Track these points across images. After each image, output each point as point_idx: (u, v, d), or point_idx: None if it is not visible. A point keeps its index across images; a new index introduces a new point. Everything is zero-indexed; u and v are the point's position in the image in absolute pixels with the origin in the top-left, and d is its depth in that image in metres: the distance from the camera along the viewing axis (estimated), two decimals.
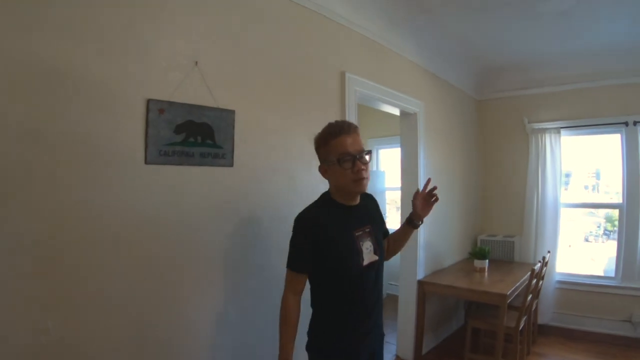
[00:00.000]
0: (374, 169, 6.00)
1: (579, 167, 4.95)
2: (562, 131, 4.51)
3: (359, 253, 1.66)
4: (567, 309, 4.43)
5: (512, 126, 4.87)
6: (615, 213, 4.56)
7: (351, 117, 2.80)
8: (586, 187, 5.01)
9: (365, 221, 1.75)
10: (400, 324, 3.85)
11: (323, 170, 1.72)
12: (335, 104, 2.78)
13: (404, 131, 3.84)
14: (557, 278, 4.51)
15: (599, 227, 4.96)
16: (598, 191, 4.94)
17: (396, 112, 3.71)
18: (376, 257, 1.72)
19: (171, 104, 1.83)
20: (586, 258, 4.89)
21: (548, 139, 4.54)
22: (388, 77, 3.33)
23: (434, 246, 4.00)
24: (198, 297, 1.95)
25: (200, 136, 1.96)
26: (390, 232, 2.00)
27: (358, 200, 1.76)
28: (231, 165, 2.08)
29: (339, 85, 2.82)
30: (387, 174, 5.66)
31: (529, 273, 3.35)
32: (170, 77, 1.82)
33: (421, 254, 3.77)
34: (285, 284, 1.70)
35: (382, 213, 1.96)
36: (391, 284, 5.42)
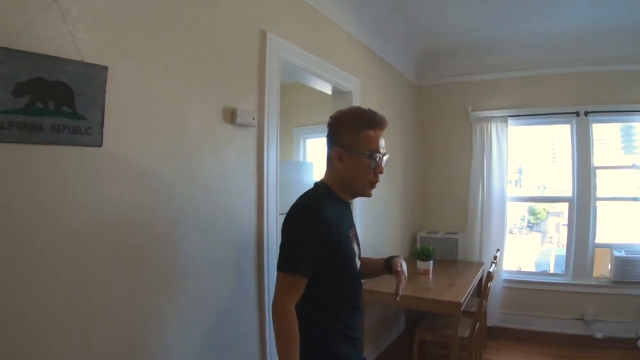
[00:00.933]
0: (301, 159, 5.62)
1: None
2: (510, 120, 4.43)
3: (354, 256, 1.58)
4: (514, 309, 4.44)
5: (454, 114, 4.72)
6: (537, 206, 4.82)
7: (272, 92, 2.36)
8: (509, 182, 4.94)
9: (353, 223, 1.68)
10: None
11: (338, 156, 1.53)
12: (251, 73, 2.27)
13: None
14: (504, 277, 4.49)
15: (522, 219, 5.18)
16: (520, 186, 5.08)
17: (327, 89, 3.32)
18: (359, 262, 1.64)
19: (11, 52, 1.27)
20: (513, 251, 5.01)
21: (494, 128, 4.45)
22: (321, 46, 2.92)
23: (371, 246, 3.66)
24: None
25: (52, 101, 1.39)
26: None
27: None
28: (99, 144, 1.50)
29: (257, 47, 2.31)
30: (315, 166, 5.17)
31: (479, 275, 3.25)
32: (14, 13, 1.26)
33: None
34: (280, 290, 1.44)
35: None
36: None
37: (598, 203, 4.33)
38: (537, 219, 5.02)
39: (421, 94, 4.92)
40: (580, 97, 4.28)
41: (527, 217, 5.19)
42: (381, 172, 1.54)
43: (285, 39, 2.49)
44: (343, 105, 3.26)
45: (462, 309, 2.96)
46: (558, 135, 4.73)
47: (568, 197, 4.40)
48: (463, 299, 3.00)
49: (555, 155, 4.80)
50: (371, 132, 1.51)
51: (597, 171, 4.34)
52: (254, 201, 2.25)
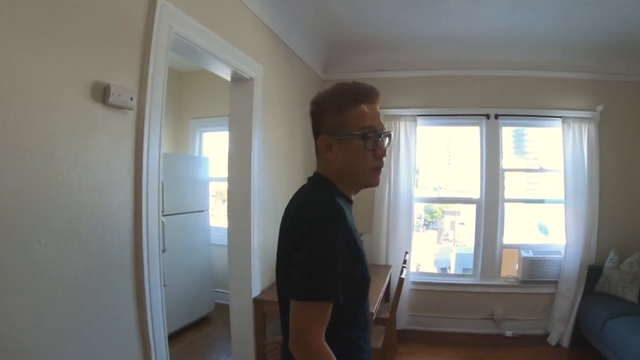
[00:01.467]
0: (196, 154, 5.33)
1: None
2: (419, 120, 4.48)
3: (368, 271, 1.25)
4: (423, 311, 4.51)
5: None
6: (433, 206, 5.02)
7: (158, 69, 2.00)
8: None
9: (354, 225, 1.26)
10: (236, 351, 3.23)
11: (327, 145, 1.25)
12: (133, 43, 1.89)
13: (235, 103, 3.15)
14: (412, 279, 4.54)
15: (419, 218, 5.30)
16: (418, 186, 5.10)
17: (227, 75, 3.00)
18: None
19: None
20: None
21: (403, 127, 4.45)
22: (220, 23, 2.60)
23: (271, 251, 3.31)
24: None
25: None
26: None
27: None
28: None
29: (144, 12, 1.93)
30: (212, 162, 4.83)
31: (387, 279, 3.23)
32: None
33: (256, 264, 3.20)
34: (308, 322, 1.08)
35: None
36: (218, 292, 4.89)
37: (506, 204, 4.59)
38: (433, 217, 5.24)
39: None
40: (491, 100, 4.45)
41: (424, 215, 5.36)
42: (383, 154, 1.25)
43: (179, 8, 2.14)
44: (242, 94, 3.00)
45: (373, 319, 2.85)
46: (455, 137, 4.95)
47: (476, 198, 4.59)
48: (375, 309, 2.92)
49: (451, 156, 4.97)
50: (360, 108, 1.23)
51: (506, 174, 4.60)
52: (130, 201, 1.87)
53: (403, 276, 3.24)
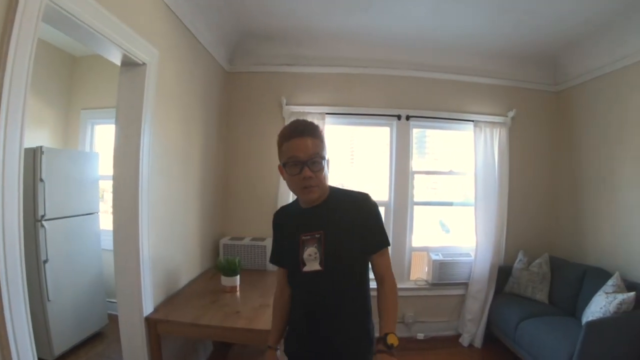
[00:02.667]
0: (87, 149, 5.02)
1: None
2: (328, 118, 4.45)
3: (298, 258, 1.79)
4: None
5: (267, 107, 4.60)
6: None
7: (23, 41, 1.76)
8: None
9: (319, 226, 1.78)
10: None
11: (280, 171, 1.81)
12: None
13: (124, 92, 2.85)
14: None
15: None
16: None
17: (116, 58, 2.73)
18: (318, 267, 1.76)
19: None
20: None
21: None
22: None
23: (165, 261, 3.25)
24: None
25: None
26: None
27: (319, 202, 1.82)
28: None
29: None
30: (104, 158, 4.48)
31: None
32: None
33: (147, 279, 2.91)
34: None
35: (375, 217, 1.87)
36: (112, 302, 4.48)
37: (415, 207, 4.74)
38: None
39: (232, 82, 4.65)
40: (403, 101, 4.58)
41: None
42: (307, 176, 1.69)
43: None
44: (132, 82, 2.83)
45: None
46: (359, 137, 4.99)
47: (385, 201, 4.69)
48: None
49: (354, 157, 5.02)
50: (287, 144, 1.70)
51: (415, 176, 4.77)
52: None
53: None
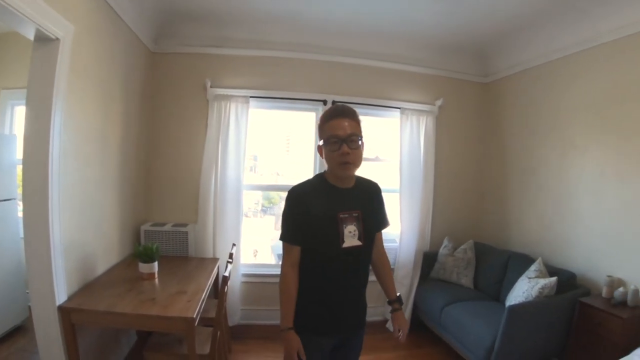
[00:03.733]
0: (6, 132, 4.91)
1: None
2: (253, 102, 4.54)
3: (338, 234, 2.02)
4: (257, 304, 4.62)
5: (192, 89, 4.61)
6: (271, 193, 5.30)
7: None
8: (251, 169, 5.33)
9: (355, 206, 2.08)
10: None
11: (320, 151, 2.07)
12: None
13: (35, 69, 2.76)
14: (242, 271, 4.61)
15: (256, 203, 5.59)
16: (256, 172, 5.40)
17: (30, 33, 2.65)
18: (359, 243, 2.07)
19: None
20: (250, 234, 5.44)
21: (234, 108, 4.46)
22: None
23: (79, 248, 3.19)
24: None
25: None
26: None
27: (352, 184, 2.12)
28: None
29: None
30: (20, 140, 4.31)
31: (214, 274, 3.27)
32: None
33: (59, 267, 2.83)
34: (283, 255, 2.08)
35: (382, 202, 2.28)
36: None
37: None
38: (271, 203, 5.49)
39: (156, 63, 4.59)
40: (329, 86, 4.72)
41: (261, 201, 5.61)
42: (345, 152, 1.93)
43: None
44: (44, 58, 2.88)
45: (196, 323, 2.80)
46: (294, 123, 5.19)
47: None
48: (196, 312, 2.79)
49: (290, 143, 5.20)
50: (329, 123, 1.98)
51: None
52: None
53: (227, 273, 3.17)
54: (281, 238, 2.07)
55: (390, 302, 2.40)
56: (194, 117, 4.54)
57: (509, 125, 5.13)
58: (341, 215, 2.02)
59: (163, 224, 4.34)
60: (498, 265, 4.58)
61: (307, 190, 2.05)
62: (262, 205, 5.61)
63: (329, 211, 2.01)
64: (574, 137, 4.18)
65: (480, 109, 5.48)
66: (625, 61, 3.58)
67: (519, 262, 4.33)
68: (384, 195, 2.27)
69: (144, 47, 4.32)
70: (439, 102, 5.10)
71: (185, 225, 4.33)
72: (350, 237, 2.03)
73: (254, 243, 5.39)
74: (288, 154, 5.13)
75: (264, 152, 5.28)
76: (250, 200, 5.53)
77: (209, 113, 4.46)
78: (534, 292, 3.65)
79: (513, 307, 3.42)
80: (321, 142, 2.02)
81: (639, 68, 3.48)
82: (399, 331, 2.32)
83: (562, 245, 4.30)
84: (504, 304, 3.85)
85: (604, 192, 3.85)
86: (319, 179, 2.12)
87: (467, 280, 4.75)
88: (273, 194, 5.37)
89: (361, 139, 1.99)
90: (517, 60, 4.84)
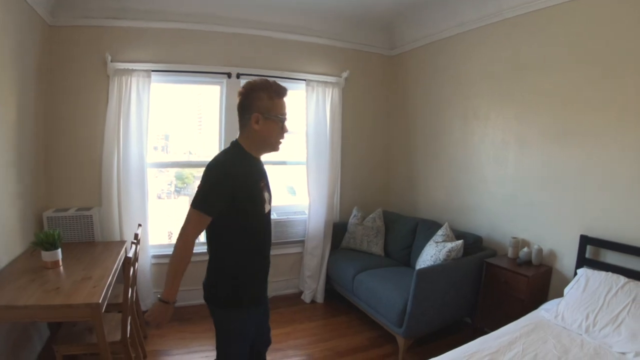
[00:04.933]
0: None
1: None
2: (154, 76, 4.49)
3: (262, 201, 2.24)
4: None
5: (92, 64, 4.45)
6: (184, 171, 5.35)
7: None
8: (155, 148, 5.28)
9: (263, 175, 2.33)
10: None
11: (256, 120, 2.14)
12: None
13: None
14: (152, 252, 4.66)
15: (170, 184, 5.58)
16: (168, 152, 5.39)
17: None
18: (269, 207, 2.34)
19: None
20: (163, 217, 5.51)
21: (135, 83, 4.39)
22: None
23: None
24: None
25: None
26: None
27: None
28: None
29: None
30: None
31: (121, 257, 3.22)
32: None
33: None
34: (188, 223, 2.10)
35: None
36: None
37: None
38: (185, 183, 5.52)
39: (54, 37, 4.38)
40: (234, 59, 4.82)
41: (174, 182, 5.63)
42: (286, 132, 2.24)
43: None
44: None
45: (104, 309, 2.80)
46: (204, 99, 5.22)
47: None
48: (101, 297, 2.77)
49: (202, 120, 5.25)
50: (281, 100, 2.18)
51: None
52: None
53: (131, 255, 3.18)
54: (196, 206, 2.05)
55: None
56: (94, 94, 4.43)
57: (414, 97, 5.46)
58: (261, 184, 2.24)
59: (67, 209, 4.23)
60: (406, 231, 4.91)
61: (236, 162, 2.13)
62: (176, 186, 5.64)
63: (255, 180, 2.20)
64: (476, 106, 4.53)
65: (387, 81, 5.82)
66: (525, 35, 3.94)
67: (427, 228, 4.66)
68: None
69: (41, 20, 4.08)
70: (345, 74, 5.31)
71: (89, 209, 4.28)
72: (266, 203, 2.27)
73: (168, 225, 5.42)
74: (200, 133, 5.16)
75: (176, 131, 5.30)
76: (163, 181, 5.57)
77: (110, 89, 4.37)
78: (441, 256, 3.92)
79: (422, 271, 3.63)
80: (267, 115, 2.11)
81: (537, 42, 3.83)
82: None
83: (468, 211, 4.69)
84: (414, 269, 3.95)
85: (506, 159, 4.23)
86: (238, 149, 2.20)
87: (377, 248, 5.06)
88: (187, 173, 5.38)
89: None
90: (423, 34, 5.15)
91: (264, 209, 2.25)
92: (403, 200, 5.69)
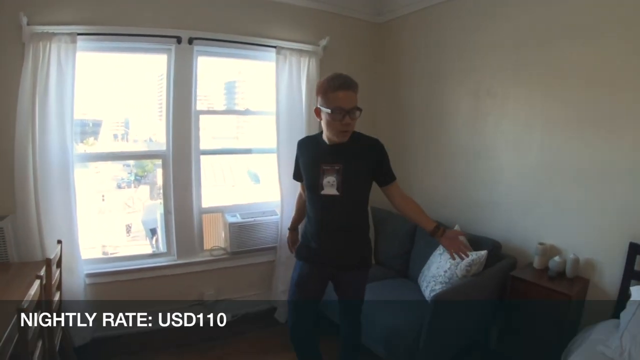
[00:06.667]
0: None
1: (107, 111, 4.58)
2: (80, 42, 3.65)
3: (319, 183, 2.67)
4: (111, 310, 3.73)
5: (2, 29, 3.59)
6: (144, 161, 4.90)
7: None
8: (115, 136, 4.82)
9: (339, 160, 2.65)
10: None
11: (317, 112, 2.65)
12: None
13: None
14: (87, 270, 3.88)
15: (130, 174, 5.29)
16: (127, 140, 4.82)
17: None
18: (336, 192, 2.65)
19: None
20: (123, 205, 5.40)
21: (56, 51, 3.54)
22: None
23: None
24: None
25: None
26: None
27: (344, 141, 2.65)
28: None
29: None
30: None
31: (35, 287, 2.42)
32: None
33: None
34: None
35: (385, 157, 2.77)
36: None
37: (202, 158, 4.34)
38: (145, 171, 5.27)
39: None
40: (185, 20, 4.07)
41: (134, 171, 5.31)
42: (347, 123, 2.52)
43: None
44: None
45: None
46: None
47: (161, 151, 4.22)
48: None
49: (162, 98, 4.45)
50: (334, 94, 2.48)
51: (201, 117, 4.31)
52: None
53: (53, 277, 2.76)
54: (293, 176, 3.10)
55: (432, 235, 2.67)
56: (5, 68, 3.59)
57: (408, 72, 4.93)
58: (324, 167, 2.64)
59: None
60: (403, 234, 4.39)
61: (305, 142, 2.89)
62: (136, 175, 5.31)
63: (315, 161, 2.69)
64: (491, 81, 4.00)
65: (373, 52, 5.25)
66: None
67: None
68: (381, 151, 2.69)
69: None
70: (323, 42, 4.66)
71: (2, 217, 3.44)
72: (329, 186, 2.63)
73: (127, 218, 5.25)
74: (161, 120, 4.40)
75: (137, 116, 4.68)
76: (123, 171, 5.30)
77: (24, 61, 3.52)
78: (459, 271, 3.42)
79: (439, 298, 3.11)
80: (325, 109, 2.51)
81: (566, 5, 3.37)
82: (456, 255, 2.57)
83: (479, 209, 4.17)
84: (415, 282, 3.82)
85: (530, 146, 3.73)
86: (318, 133, 2.83)
87: None
88: (146, 161, 4.96)
89: (360, 110, 2.54)
90: None
91: (318, 187, 2.66)
92: None
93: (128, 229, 5.17)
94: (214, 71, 4.57)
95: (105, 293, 3.89)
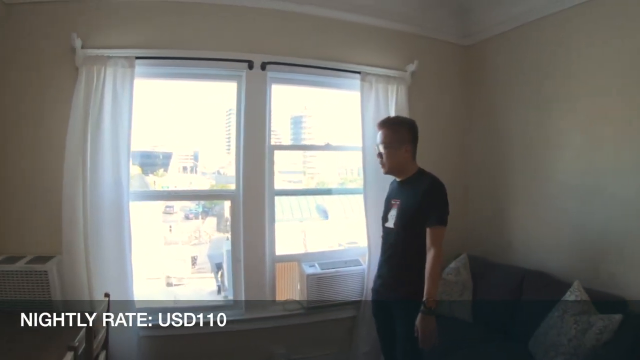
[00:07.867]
0: None
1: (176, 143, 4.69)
2: (139, 66, 3.54)
3: (386, 216, 2.98)
4: None
5: (55, 53, 3.52)
6: None
7: None
8: (185, 169, 4.90)
9: (399, 196, 2.93)
10: None
11: None
12: None
13: None
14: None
15: (197, 204, 5.27)
16: (196, 172, 4.94)
17: None
18: (392, 226, 2.91)
19: None
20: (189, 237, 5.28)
21: (111, 78, 3.42)
22: None
23: None
24: None
25: None
26: None
27: (404, 178, 2.92)
28: None
29: None
30: None
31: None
32: None
33: None
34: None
35: (430, 200, 2.81)
36: None
37: (277, 199, 4.20)
38: (213, 203, 5.30)
39: (10, 18, 3.49)
40: (256, 42, 3.97)
41: (202, 202, 5.27)
42: (379, 157, 2.92)
43: None
44: None
45: None
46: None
47: (230, 191, 4.07)
48: None
49: (231, 130, 4.32)
50: (379, 131, 2.94)
51: (276, 152, 4.19)
52: None
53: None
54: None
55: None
56: (58, 94, 3.49)
57: (501, 98, 4.58)
58: (392, 201, 2.94)
59: (20, 258, 3.24)
60: (508, 288, 3.87)
61: (391, 181, 3.14)
62: (204, 207, 5.34)
63: (388, 196, 3.04)
64: (610, 107, 3.53)
65: (462, 77, 4.94)
66: None
67: (539, 284, 3.69)
68: (430, 193, 2.69)
69: None
70: (411, 67, 4.38)
71: (47, 258, 3.27)
72: (391, 219, 2.88)
73: (193, 249, 5.11)
74: (229, 154, 4.38)
75: (205, 148, 4.71)
76: (191, 202, 5.26)
77: (76, 87, 3.40)
78: (587, 340, 2.92)
79: None
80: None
81: None
82: (421, 341, 2.61)
83: (598, 257, 3.57)
84: (525, 344, 3.30)
85: None
86: None
87: (463, 310, 4.06)
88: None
89: (385, 146, 2.81)
90: (512, 13, 4.24)
91: (384, 220, 2.96)
92: (490, 239, 4.64)
93: (194, 260, 5.14)
94: (280, 102, 4.42)
95: (161, 348, 3.68)
